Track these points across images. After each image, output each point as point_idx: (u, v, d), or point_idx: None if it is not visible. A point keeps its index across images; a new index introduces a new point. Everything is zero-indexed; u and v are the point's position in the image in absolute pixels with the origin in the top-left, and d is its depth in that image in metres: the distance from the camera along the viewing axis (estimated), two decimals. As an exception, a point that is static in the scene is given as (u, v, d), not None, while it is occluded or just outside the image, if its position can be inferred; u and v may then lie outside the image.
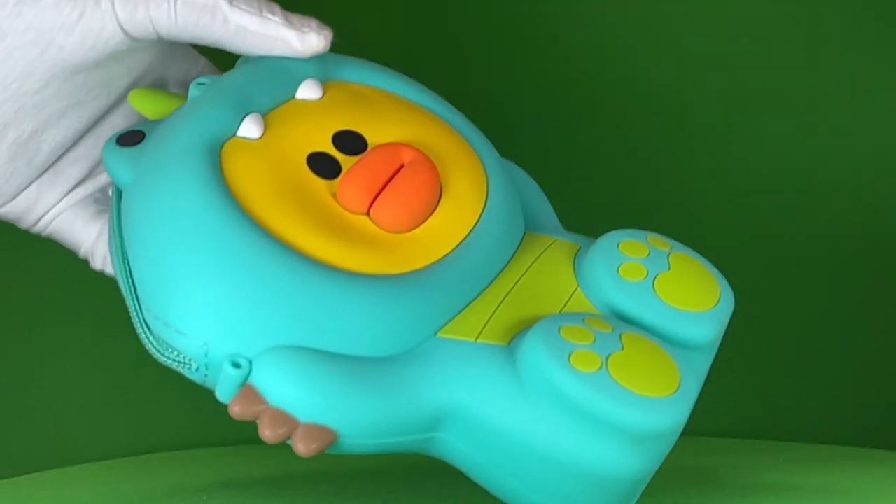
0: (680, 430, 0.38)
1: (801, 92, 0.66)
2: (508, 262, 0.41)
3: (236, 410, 0.36)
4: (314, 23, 0.42)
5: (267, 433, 0.36)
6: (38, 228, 0.44)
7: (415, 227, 0.40)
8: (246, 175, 0.39)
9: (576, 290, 0.41)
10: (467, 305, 0.39)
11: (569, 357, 0.37)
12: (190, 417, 0.60)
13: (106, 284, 0.59)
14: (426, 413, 0.37)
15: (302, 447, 0.36)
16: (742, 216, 0.65)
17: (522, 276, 0.41)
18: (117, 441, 0.59)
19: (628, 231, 0.43)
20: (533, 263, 0.42)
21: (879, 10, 0.65)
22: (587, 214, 0.59)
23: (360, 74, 0.44)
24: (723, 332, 0.42)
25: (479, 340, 0.38)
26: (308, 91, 0.42)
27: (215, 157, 0.39)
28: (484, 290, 0.40)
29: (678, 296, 0.41)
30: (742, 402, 0.65)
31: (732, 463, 0.53)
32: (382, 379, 0.37)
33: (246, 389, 0.36)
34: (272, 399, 0.36)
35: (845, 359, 0.67)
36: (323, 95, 0.42)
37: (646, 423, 0.37)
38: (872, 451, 0.57)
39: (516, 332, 0.39)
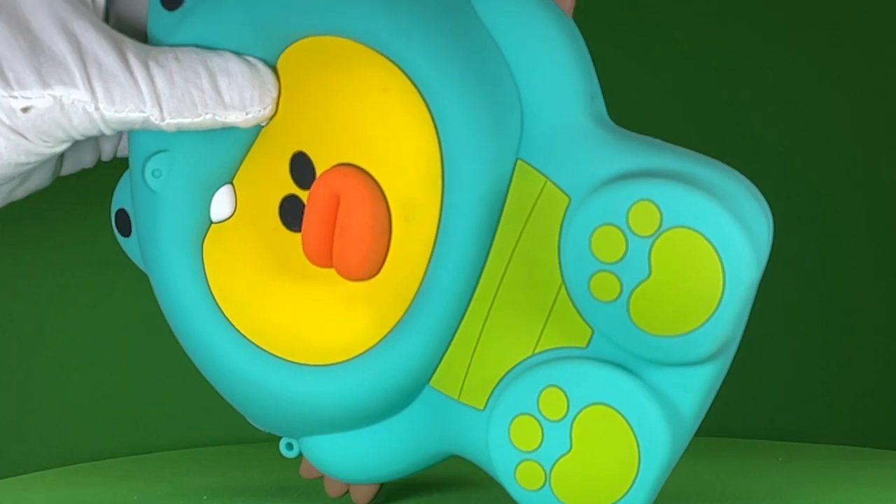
0: None
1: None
2: (489, 250, 0.37)
3: (303, 475, 0.43)
4: (255, 96, 0.39)
5: (329, 491, 0.42)
6: None
7: (376, 271, 0.38)
8: (227, 271, 0.39)
9: (560, 288, 0.36)
10: (451, 344, 0.37)
11: (515, 471, 0.36)
12: (190, 417, 0.60)
13: (106, 284, 0.59)
14: (443, 454, 0.39)
15: (356, 499, 0.42)
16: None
17: (505, 273, 0.37)
18: (117, 441, 0.59)
19: (608, 201, 0.34)
20: (515, 249, 0.37)
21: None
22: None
23: (333, 18, 0.38)
24: (742, 319, 0.35)
25: (461, 400, 0.37)
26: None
27: (197, 255, 0.39)
28: (465, 314, 0.37)
29: (659, 316, 0.34)
30: (742, 402, 0.65)
31: (732, 463, 0.53)
32: (394, 445, 0.39)
33: (304, 461, 0.42)
34: (325, 472, 0.40)
35: (845, 359, 0.67)
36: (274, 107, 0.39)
37: None
38: (872, 451, 0.57)
39: (490, 392, 0.37)
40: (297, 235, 0.39)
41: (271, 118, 0.39)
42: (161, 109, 0.37)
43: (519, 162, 0.36)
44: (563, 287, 0.36)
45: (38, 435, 0.58)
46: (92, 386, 0.59)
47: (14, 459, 0.58)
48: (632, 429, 0.34)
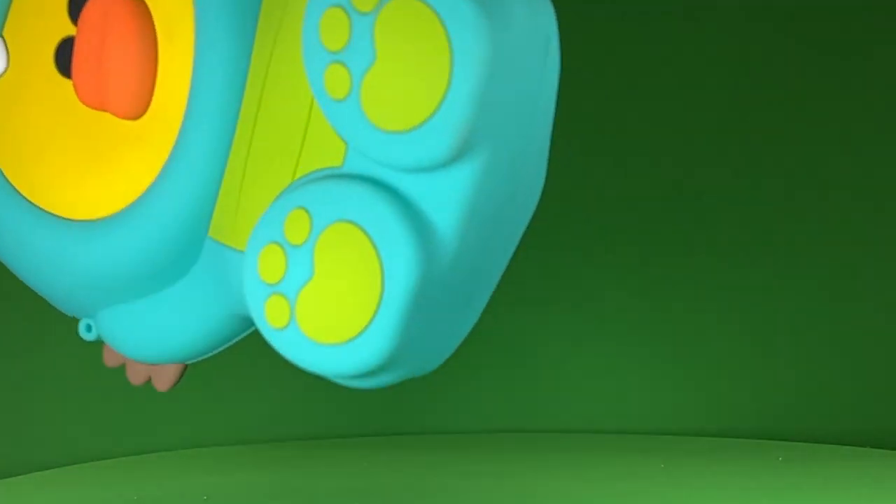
0: (392, 350, 0.32)
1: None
2: (248, 66, 0.33)
3: (106, 363, 0.39)
4: None
5: (131, 378, 0.38)
6: None
7: (147, 104, 0.34)
8: (5, 131, 0.36)
9: (312, 101, 0.32)
10: (223, 177, 0.34)
11: (264, 311, 0.32)
12: (190, 417, 0.60)
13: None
14: (239, 320, 0.35)
15: (158, 384, 0.38)
16: (743, 216, 0.65)
17: (262, 93, 0.33)
18: (117, 441, 0.59)
19: None
20: (270, 63, 0.33)
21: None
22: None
23: None
24: (499, 109, 0.31)
25: (234, 246, 0.34)
26: None
27: None
28: (230, 145, 0.34)
29: (389, 107, 0.30)
30: (742, 402, 0.65)
31: (732, 463, 0.53)
32: (189, 301, 0.36)
33: (105, 347, 0.38)
34: (119, 352, 0.38)
35: (845, 359, 0.66)
36: None
37: (339, 375, 0.32)
38: (872, 451, 0.57)
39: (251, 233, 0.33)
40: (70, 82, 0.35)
41: None
42: None
43: None
44: (314, 101, 0.32)
45: (38, 435, 0.58)
46: (92, 386, 0.59)
47: (14, 459, 0.58)
48: (374, 245, 0.31)
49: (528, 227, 0.36)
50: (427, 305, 0.32)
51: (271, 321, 0.32)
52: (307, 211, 0.32)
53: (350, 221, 0.31)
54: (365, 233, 0.31)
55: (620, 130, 0.65)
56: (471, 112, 0.30)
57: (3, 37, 0.37)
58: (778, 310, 0.65)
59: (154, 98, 0.34)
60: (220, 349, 0.37)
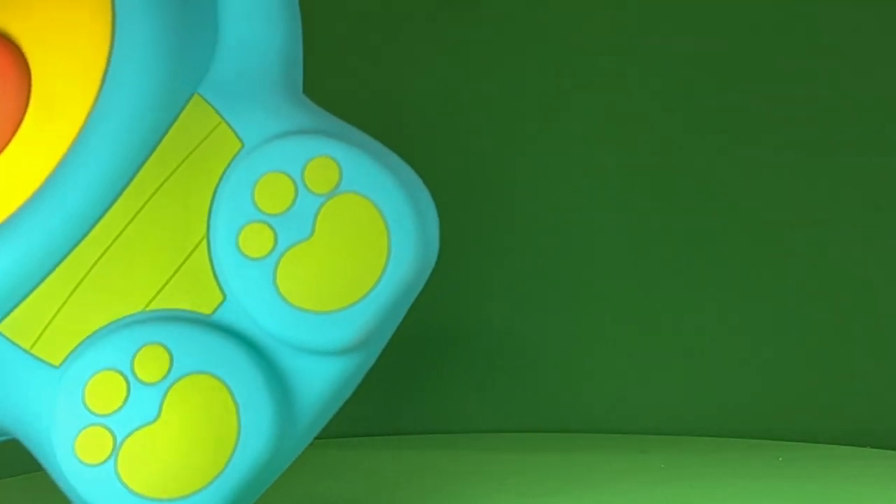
0: None
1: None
2: (132, 178, 0.31)
3: None
4: None
5: None
6: None
7: None
8: None
9: (201, 241, 0.32)
10: (50, 274, 0.31)
11: (75, 439, 0.30)
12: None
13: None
14: None
15: None
16: (744, 216, 0.65)
17: (139, 213, 0.31)
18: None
19: (288, 148, 0.31)
20: (164, 185, 0.32)
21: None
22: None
23: None
24: (396, 316, 0.32)
25: (32, 352, 0.31)
26: None
27: None
28: (76, 246, 0.31)
29: (306, 287, 0.31)
30: (742, 402, 0.65)
31: (732, 463, 0.53)
32: None
33: None
34: None
35: (845, 359, 0.66)
36: None
37: None
38: (872, 451, 0.57)
39: (73, 348, 0.31)
40: None
41: None
42: None
43: (196, 97, 0.32)
44: (204, 241, 0.31)
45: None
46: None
47: (14, 459, 0.57)
48: (237, 407, 0.30)
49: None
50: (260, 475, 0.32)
51: (81, 453, 0.30)
52: (168, 350, 0.30)
53: (213, 375, 0.30)
54: (229, 391, 0.30)
55: (621, 130, 0.65)
56: (385, 314, 0.31)
57: None
58: (778, 310, 0.65)
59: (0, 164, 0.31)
60: None
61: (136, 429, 0.30)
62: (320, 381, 0.31)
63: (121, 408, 0.30)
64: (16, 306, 0.31)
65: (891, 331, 0.66)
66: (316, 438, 0.38)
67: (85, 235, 0.31)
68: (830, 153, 0.66)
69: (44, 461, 0.32)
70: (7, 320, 0.31)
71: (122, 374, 0.30)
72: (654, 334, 0.64)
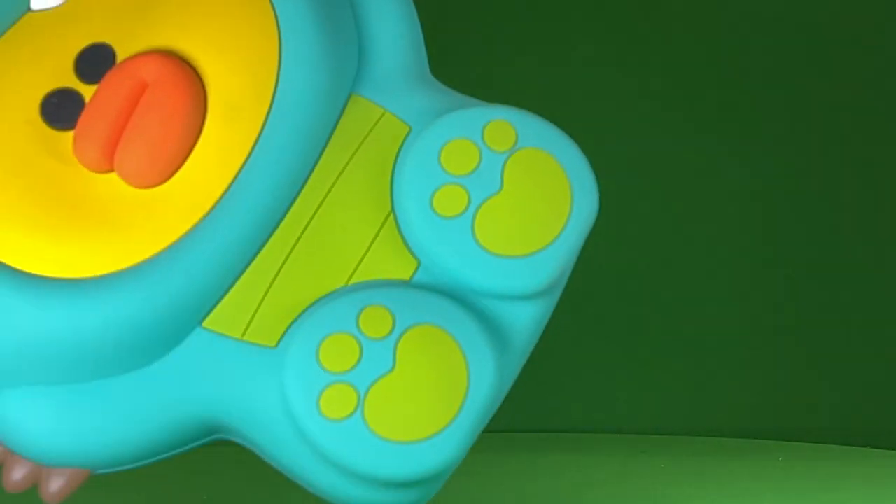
0: (459, 459, 0.32)
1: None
2: (310, 174, 0.34)
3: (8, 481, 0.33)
4: None
5: (6, 482, 0.33)
6: None
7: (168, 176, 0.32)
8: None
9: (388, 217, 0.34)
10: (242, 274, 0.33)
11: (318, 398, 0.31)
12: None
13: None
14: (193, 428, 0.33)
15: (47, 496, 0.33)
16: (742, 213, 0.65)
17: (322, 202, 0.34)
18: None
19: (463, 117, 0.34)
20: (342, 174, 0.34)
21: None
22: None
23: None
24: (572, 258, 0.34)
25: (244, 339, 0.32)
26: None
27: None
28: (268, 239, 0.33)
29: (504, 234, 0.33)
30: (742, 402, 0.65)
31: (732, 463, 0.53)
32: (136, 402, 0.32)
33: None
34: (11, 445, 0.33)
35: (845, 359, 0.67)
36: None
37: (400, 476, 0.32)
38: (872, 451, 0.57)
39: (287, 327, 0.32)
40: (61, 134, 0.33)
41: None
42: None
43: (353, 96, 0.34)
44: (390, 216, 0.33)
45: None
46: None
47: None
48: (462, 352, 0.32)
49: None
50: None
51: (327, 411, 0.31)
52: (388, 309, 0.32)
53: (435, 325, 0.32)
54: (453, 338, 0.32)
55: (621, 129, 0.65)
56: (571, 255, 0.34)
57: None
58: (778, 309, 0.65)
59: (185, 171, 0.32)
60: (141, 464, 0.33)
61: (377, 379, 0.32)
62: (519, 326, 0.34)
63: (357, 363, 0.32)
64: (218, 302, 0.33)
65: (891, 331, 0.66)
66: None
67: (275, 230, 0.33)
68: (830, 153, 0.66)
69: (267, 441, 0.33)
70: (211, 316, 0.33)
71: (350, 334, 0.32)
72: (654, 335, 0.64)
